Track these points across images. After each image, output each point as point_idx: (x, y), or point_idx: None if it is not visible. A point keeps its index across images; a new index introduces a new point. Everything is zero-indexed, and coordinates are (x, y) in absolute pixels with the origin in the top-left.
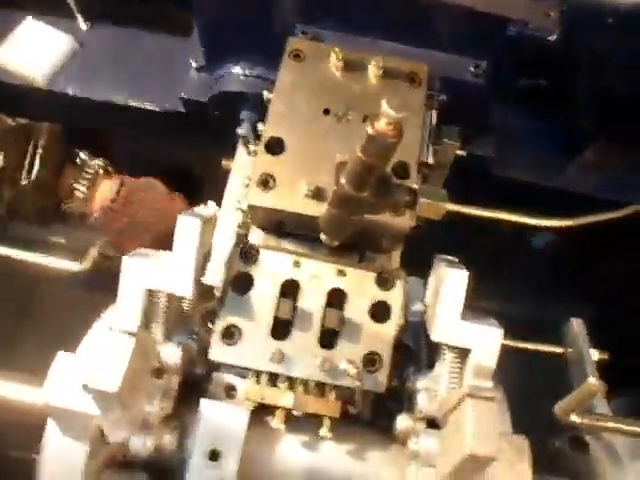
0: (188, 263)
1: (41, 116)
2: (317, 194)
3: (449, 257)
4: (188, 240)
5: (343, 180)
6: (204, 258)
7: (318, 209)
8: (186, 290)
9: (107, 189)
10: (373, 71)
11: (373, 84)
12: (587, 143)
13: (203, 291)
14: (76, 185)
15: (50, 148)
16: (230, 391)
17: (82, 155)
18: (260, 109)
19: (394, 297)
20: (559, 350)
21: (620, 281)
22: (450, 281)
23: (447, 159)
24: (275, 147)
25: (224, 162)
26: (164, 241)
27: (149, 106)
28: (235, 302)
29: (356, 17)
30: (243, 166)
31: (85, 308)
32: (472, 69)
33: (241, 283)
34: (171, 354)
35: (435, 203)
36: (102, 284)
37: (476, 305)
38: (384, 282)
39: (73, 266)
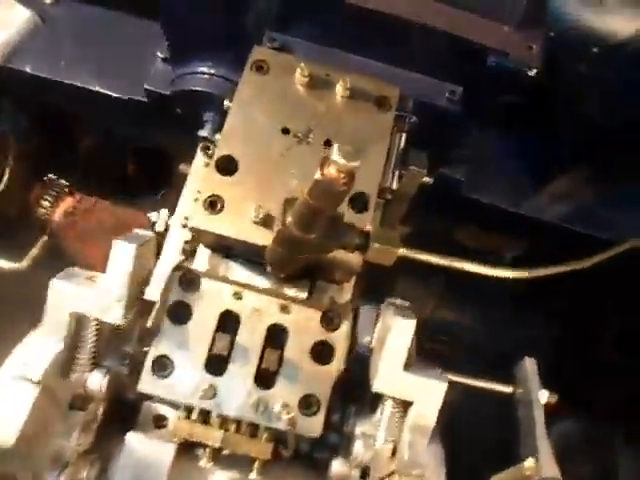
0: (119, 289)
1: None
2: (266, 221)
3: (398, 301)
4: (121, 265)
5: (289, 220)
6: (142, 280)
7: (266, 238)
8: (115, 317)
9: (70, 201)
10: (340, 91)
11: (339, 104)
12: (559, 171)
13: (143, 306)
14: (42, 198)
15: (19, 163)
16: (160, 422)
17: (50, 176)
18: (223, 111)
19: (338, 338)
20: (508, 390)
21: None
22: (396, 331)
23: (412, 186)
24: (226, 166)
25: (181, 167)
26: None
27: (112, 92)
28: (170, 332)
29: (330, 28)
30: (200, 172)
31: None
32: (447, 94)
33: (178, 312)
34: (96, 382)
35: (387, 248)
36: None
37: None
38: (329, 321)
39: (10, 265)
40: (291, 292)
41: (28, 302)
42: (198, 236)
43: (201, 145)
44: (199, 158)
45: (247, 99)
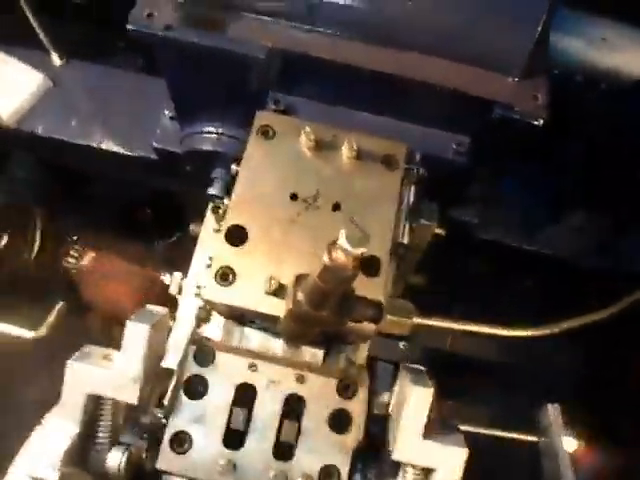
0: (134, 369)
1: (10, 153)
2: (278, 292)
3: (415, 367)
4: (135, 346)
5: (300, 296)
6: (157, 356)
7: (279, 308)
8: (131, 396)
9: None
10: (346, 152)
11: (346, 166)
12: (573, 208)
13: (159, 374)
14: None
15: (47, 228)
16: None
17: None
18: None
19: (356, 406)
20: (532, 439)
21: None
22: (413, 399)
23: (424, 239)
24: (236, 237)
25: (192, 227)
26: (148, 289)
27: (121, 150)
28: (187, 407)
29: (333, 87)
30: (210, 235)
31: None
32: (454, 146)
33: (194, 386)
34: (115, 461)
35: (401, 320)
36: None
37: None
38: (345, 389)
39: (27, 334)
40: (306, 357)
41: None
42: (211, 306)
43: (211, 206)
44: (209, 219)
45: (255, 166)
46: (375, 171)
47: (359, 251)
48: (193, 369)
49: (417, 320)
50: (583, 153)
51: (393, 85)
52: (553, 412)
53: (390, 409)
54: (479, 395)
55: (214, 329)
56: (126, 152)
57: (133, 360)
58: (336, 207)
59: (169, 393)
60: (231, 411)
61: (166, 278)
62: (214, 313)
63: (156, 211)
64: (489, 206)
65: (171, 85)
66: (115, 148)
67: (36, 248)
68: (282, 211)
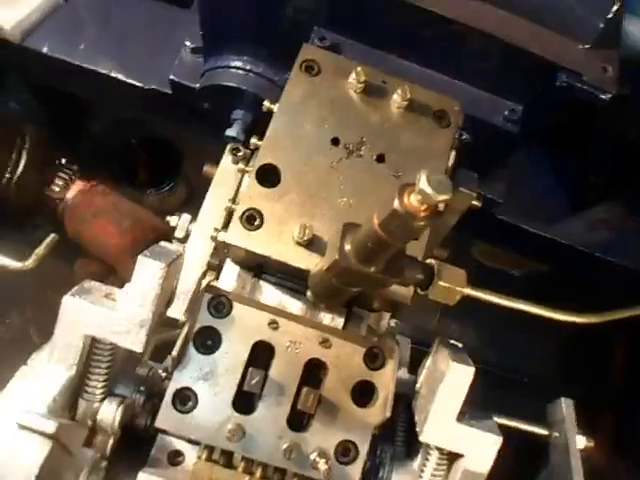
0: (143, 313)
1: (14, 71)
2: (310, 242)
3: (453, 342)
4: (147, 286)
5: (348, 248)
6: (166, 301)
7: (309, 261)
8: (137, 343)
9: (83, 183)
10: (397, 101)
11: (394, 116)
12: (598, 198)
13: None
14: (55, 183)
15: (37, 147)
16: (175, 457)
17: (63, 161)
18: (256, 111)
19: (382, 379)
20: (543, 432)
21: None
22: (452, 378)
23: (459, 208)
24: (268, 177)
25: (206, 168)
26: (140, 233)
27: (133, 81)
28: (195, 362)
29: (385, 30)
30: (226, 178)
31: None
32: (506, 112)
33: (205, 339)
34: (109, 414)
35: (452, 288)
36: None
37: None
38: (373, 359)
39: (13, 264)
40: (325, 320)
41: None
42: (228, 251)
43: (230, 146)
44: (226, 160)
45: (295, 102)
46: (425, 126)
47: (441, 197)
48: (206, 320)
49: (468, 291)
50: (614, 145)
51: (453, 34)
52: (567, 407)
53: (418, 386)
54: None
55: (226, 279)
56: (138, 83)
57: (143, 302)
58: (380, 158)
59: (178, 343)
60: (245, 371)
61: (172, 219)
62: (227, 262)
63: (152, 157)
64: (511, 188)
65: (204, 8)
66: (126, 77)
67: (20, 169)
68: (321, 155)
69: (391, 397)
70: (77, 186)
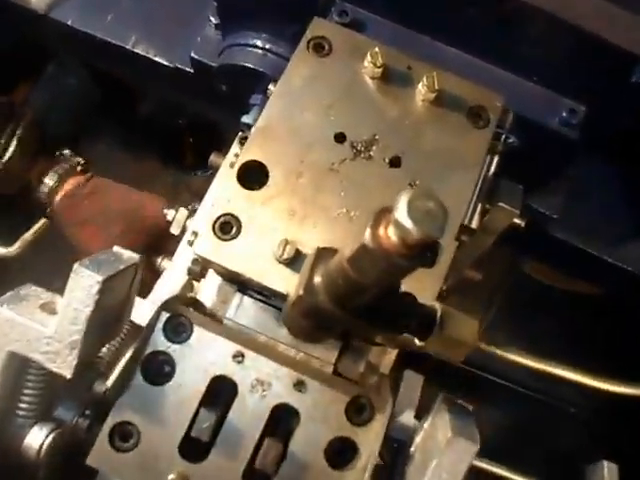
0: (73, 333)
1: (39, 43)
2: (294, 260)
3: (458, 402)
4: (79, 302)
5: (318, 283)
6: (113, 319)
7: (290, 283)
8: (64, 367)
9: (75, 182)
10: (423, 92)
11: (418, 110)
12: None
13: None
14: (47, 176)
15: (29, 134)
16: None
17: (66, 151)
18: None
19: (367, 438)
20: None
21: None
22: (449, 455)
23: (499, 226)
24: (252, 177)
25: (212, 157)
26: (134, 236)
27: (156, 57)
28: (141, 391)
29: (420, 6)
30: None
31: None
32: (565, 114)
33: (156, 366)
34: (34, 441)
35: (459, 341)
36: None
37: None
38: (358, 411)
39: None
40: (315, 352)
41: None
42: (204, 262)
43: (239, 136)
44: (234, 151)
45: (296, 86)
46: (456, 124)
47: (424, 236)
48: (159, 343)
49: (481, 345)
50: None
51: (504, 13)
52: (609, 473)
53: (412, 449)
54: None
55: (207, 291)
56: (160, 60)
57: (75, 320)
58: (395, 162)
59: (119, 367)
60: (197, 411)
61: (169, 213)
62: (210, 271)
63: (197, 138)
64: (572, 202)
65: None
66: (149, 53)
67: (8, 155)
68: (321, 153)
69: (373, 461)
70: (64, 188)
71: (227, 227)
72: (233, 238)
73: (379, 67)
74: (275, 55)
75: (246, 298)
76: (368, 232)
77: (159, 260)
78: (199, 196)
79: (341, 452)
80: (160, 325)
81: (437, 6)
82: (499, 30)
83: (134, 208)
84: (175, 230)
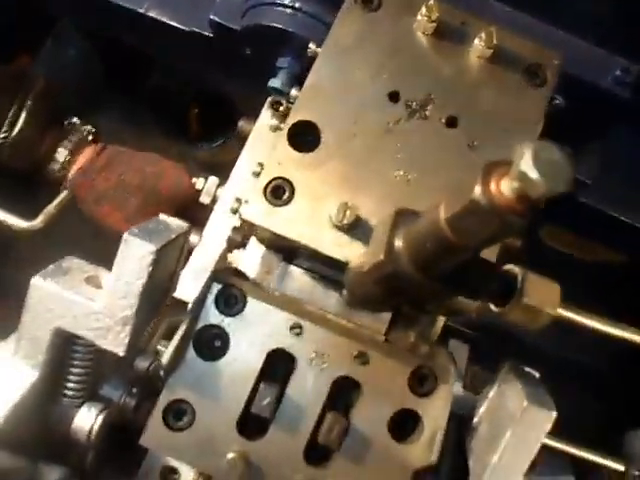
0: (125, 308)
1: (51, 12)
2: (352, 227)
3: (528, 370)
4: (131, 274)
5: (399, 245)
6: (163, 289)
7: (350, 250)
8: (116, 345)
9: (90, 153)
10: (478, 49)
11: (474, 68)
12: None
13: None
14: (59, 148)
15: (39, 104)
16: (169, 475)
17: (74, 120)
18: (306, 58)
19: (431, 409)
20: (620, 467)
21: None
22: (525, 424)
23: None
24: (304, 139)
25: (241, 122)
26: (153, 208)
27: (173, 22)
28: (194, 368)
29: None
30: (265, 136)
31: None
32: (618, 72)
33: (209, 341)
34: (85, 423)
35: (538, 308)
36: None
37: None
38: (420, 382)
39: (23, 223)
40: (365, 320)
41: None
42: (251, 230)
43: (270, 100)
44: (265, 116)
45: (345, 44)
46: (513, 83)
47: (554, 189)
48: (212, 316)
49: (560, 311)
50: None
51: None
52: None
53: (476, 420)
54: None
55: (249, 261)
56: (177, 24)
57: (127, 294)
58: (451, 122)
59: (173, 344)
60: (256, 386)
61: (199, 182)
62: (252, 239)
63: (203, 110)
64: (605, 167)
65: None
66: (165, 18)
67: (17, 128)
68: (375, 113)
69: (440, 436)
70: (78, 162)
71: (279, 191)
72: (286, 203)
73: (433, 22)
74: (305, 14)
75: (292, 267)
76: (478, 189)
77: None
78: (207, 168)
79: (405, 425)
80: (212, 297)
81: None
82: None
83: (151, 179)
84: (206, 199)
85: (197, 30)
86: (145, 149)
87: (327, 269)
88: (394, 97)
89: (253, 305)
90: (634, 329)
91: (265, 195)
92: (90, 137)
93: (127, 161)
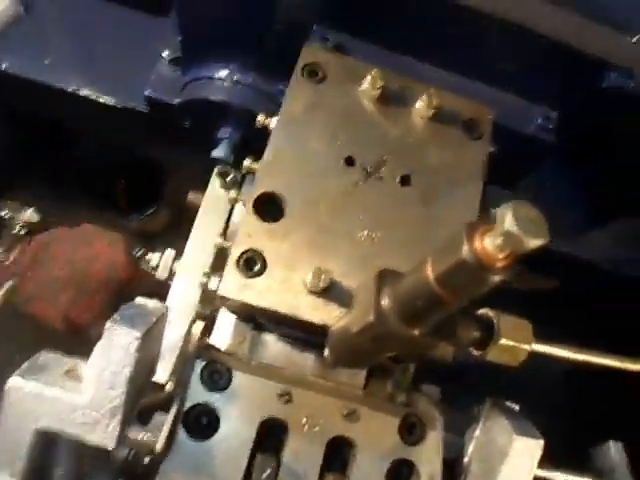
0: (114, 399)
1: None
2: (327, 290)
3: (508, 404)
4: (117, 364)
5: (386, 304)
6: (146, 376)
7: (326, 313)
8: (106, 438)
9: (19, 250)
10: (421, 110)
11: (418, 128)
12: (621, 213)
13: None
14: None
15: None
16: None
17: (3, 213)
18: (246, 128)
19: (424, 455)
20: None
21: None
22: (517, 455)
23: None
24: (267, 209)
25: (191, 196)
26: (87, 297)
27: (105, 99)
28: (187, 450)
29: (400, 28)
30: (215, 206)
31: None
32: (539, 120)
33: (199, 419)
34: None
35: (516, 346)
36: None
37: None
38: (410, 430)
39: None
40: (343, 376)
41: None
42: (225, 304)
43: (218, 169)
44: (214, 186)
45: (298, 115)
46: (455, 138)
47: (535, 242)
48: (198, 395)
49: (535, 347)
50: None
51: (479, 28)
52: (616, 451)
53: (467, 460)
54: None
55: (220, 332)
56: (110, 102)
57: (114, 383)
58: (405, 180)
59: (164, 429)
60: (251, 459)
61: (154, 258)
62: (221, 311)
63: (131, 181)
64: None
65: (184, 12)
66: (97, 95)
67: None
68: (333, 178)
69: (437, 476)
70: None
71: (251, 263)
72: (259, 274)
73: (377, 89)
74: (243, 85)
75: (264, 334)
76: (465, 248)
77: None
78: (138, 238)
79: (400, 475)
80: (196, 375)
81: (416, 26)
82: (476, 44)
83: (82, 267)
84: (163, 274)
85: (132, 106)
86: (73, 221)
87: (299, 333)
88: (350, 162)
89: (239, 378)
90: (603, 353)
91: (238, 268)
92: (23, 232)
93: (54, 253)
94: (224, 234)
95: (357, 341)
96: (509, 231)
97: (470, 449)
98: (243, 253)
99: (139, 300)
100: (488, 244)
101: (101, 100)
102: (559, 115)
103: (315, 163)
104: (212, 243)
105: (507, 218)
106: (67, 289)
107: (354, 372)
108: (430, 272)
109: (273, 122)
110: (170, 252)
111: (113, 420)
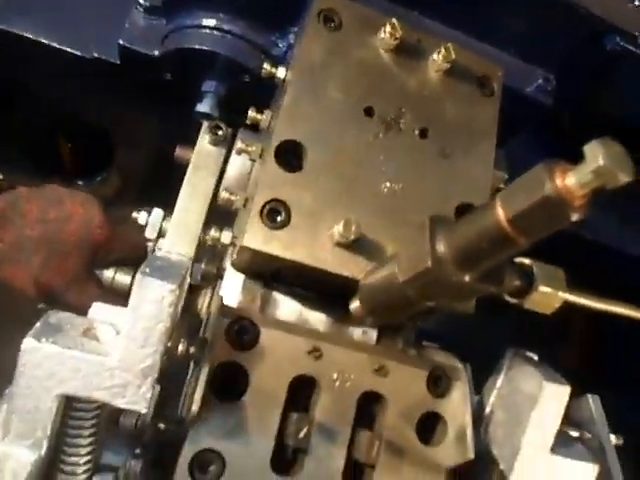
0: (147, 359)
1: None
2: (355, 243)
3: (529, 354)
4: (150, 320)
5: (442, 250)
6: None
7: (354, 266)
8: (137, 402)
9: None
10: (437, 63)
11: (433, 81)
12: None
13: None
14: None
15: None
16: None
17: None
18: (232, 81)
19: (451, 408)
20: (574, 434)
21: None
22: (546, 402)
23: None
24: (290, 158)
25: (179, 151)
26: (60, 259)
27: (71, 49)
28: (216, 412)
29: None
30: (206, 162)
31: None
32: (540, 81)
33: (228, 381)
34: None
35: (552, 293)
36: None
37: None
38: (436, 383)
39: None
40: (354, 335)
41: None
42: (241, 258)
43: (208, 124)
44: (203, 141)
45: (315, 62)
46: (468, 94)
47: (626, 177)
48: (225, 353)
49: (568, 296)
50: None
51: None
52: (594, 404)
53: (489, 410)
54: None
55: (227, 293)
56: (77, 52)
57: (146, 340)
58: (423, 133)
59: (198, 392)
60: (284, 416)
61: (140, 216)
62: (228, 269)
63: (77, 144)
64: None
65: None
66: (62, 45)
67: None
68: (355, 129)
69: (469, 431)
70: None
71: (275, 214)
72: (283, 225)
73: (395, 39)
74: (233, 35)
75: (274, 293)
76: (548, 186)
77: (110, 273)
78: None
79: (431, 428)
80: (221, 333)
81: None
82: (479, 3)
83: (54, 226)
84: (152, 234)
85: (102, 57)
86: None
87: (315, 287)
88: (369, 112)
89: (267, 335)
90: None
91: (262, 219)
92: None
93: (24, 211)
94: (216, 188)
95: (404, 289)
96: (603, 166)
97: (491, 399)
98: (266, 203)
99: (160, 253)
100: (570, 181)
101: (68, 50)
102: (558, 77)
103: (335, 112)
104: (204, 198)
105: (600, 154)
106: (39, 250)
107: (366, 330)
108: (502, 214)
109: (280, 71)
110: (158, 211)
111: (146, 381)
